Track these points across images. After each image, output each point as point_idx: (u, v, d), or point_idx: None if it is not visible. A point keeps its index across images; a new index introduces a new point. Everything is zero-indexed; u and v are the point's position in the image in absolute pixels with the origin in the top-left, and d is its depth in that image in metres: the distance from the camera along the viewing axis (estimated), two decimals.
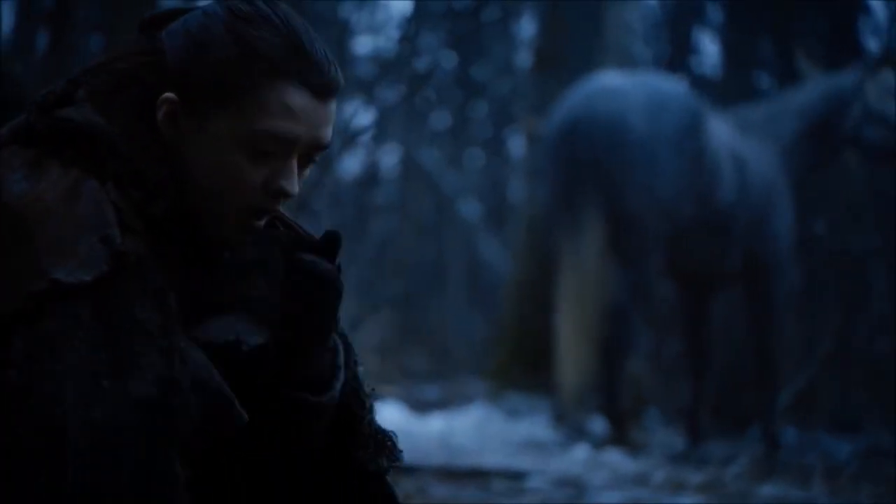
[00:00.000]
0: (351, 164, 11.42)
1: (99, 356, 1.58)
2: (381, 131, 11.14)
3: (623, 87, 6.55)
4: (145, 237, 1.65)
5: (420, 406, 7.81)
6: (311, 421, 1.76)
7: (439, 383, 9.47)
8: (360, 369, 1.83)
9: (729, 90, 8.45)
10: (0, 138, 1.71)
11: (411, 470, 5.04)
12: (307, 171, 1.75)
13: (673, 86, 6.77)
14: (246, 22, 1.68)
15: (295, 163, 1.70)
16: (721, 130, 6.65)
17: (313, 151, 1.72)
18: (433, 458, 5.50)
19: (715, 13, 9.75)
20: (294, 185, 1.70)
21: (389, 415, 7.26)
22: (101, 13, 7.49)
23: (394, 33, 10.50)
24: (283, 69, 1.67)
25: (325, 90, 1.70)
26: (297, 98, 1.68)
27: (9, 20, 7.84)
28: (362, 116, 8.29)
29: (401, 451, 1.87)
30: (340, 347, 1.79)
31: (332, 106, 1.71)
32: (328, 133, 1.72)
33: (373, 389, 1.85)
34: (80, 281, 1.58)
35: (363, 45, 10.83)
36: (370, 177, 12.15)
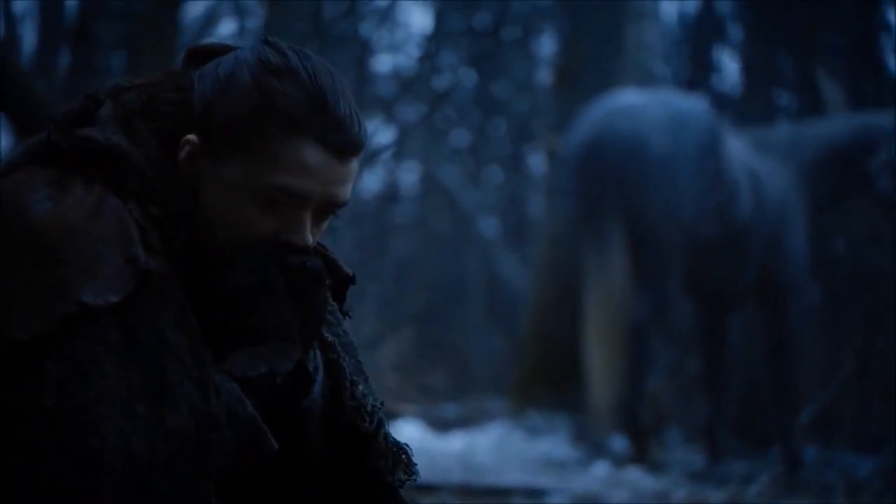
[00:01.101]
0: (371, 182, 11.45)
1: (131, 381, 1.58)
2: (401, 149, 11.17)
3: (642, 104, 6.55)
4: (166, 256, 1.66)
5: (440, 424, 7.80)
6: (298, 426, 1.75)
7: (459, 401, 9.46)
8: (361, 388, 1.81)
9: (749, 108, 8.45)
10: (16, 158, 1.72)
11: (431, 488, 5.03)
12: (325, 225, 1.73)
13: (692, 103, 6.77)
14: (272, 74, 1.67)
15: (307, 216, 1.69)
16: (738, 147, 6.66)
17: (329, 208, 1.71)
18: (453, 477, 5.49)
19: (735, 31, 9.75)
20: (303, 239, 1.69)
21: (409, 433, 7.26)
22: (122, 32, 7.54)
23: (414, 52, 10.54)
24: (301, 125, 1.66)
25: (344, 149, 1.68)
26: (313, 155, 1.67)
27: (31, 39, 7.88)
28: (382, 134, 8.30)
29: (416, 465, 1.87)
30: (316, 349, 1.78)
31: (353, 164, 1.70)
32: (345, 191, 1.71)
33: (381, 403, 1.83)
34: (107, 302, 1.58)
35: (384, 63, 10.88)
36: (390, 194, 12.17)
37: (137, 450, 1.56)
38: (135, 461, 1.56)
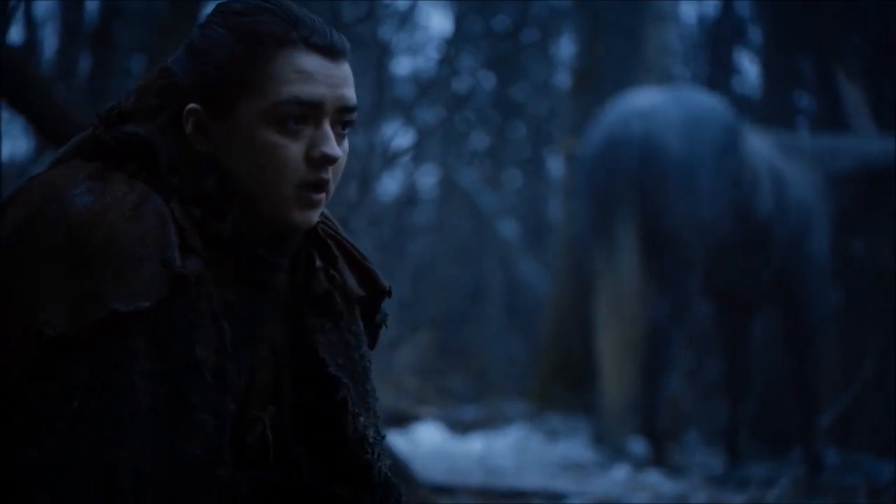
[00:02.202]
0: (390, 185, 11.46)
1: (155, 397, 1.60)
2: (420, 152, 11.17)
3: (659, 104, 6.52)
4: (205, 257, 1.66)
5: (459, 427, 7.80)
6: None
7: (478, 404, 9.45)
8: (363, 419, 1.81)
9: (768, 110, 8.43)
10: (63, 153, 1.73)
11: (450, 490, 5.03)
12: (345, 144, 1.75)
13: (710, 101, 6.73)
14: (240, 14, 1.72)
15: (329, 128, 1.72)
16: (760, 146, 6.63)
17: (343, 114, 1.73)
18: (472, 479, 5.49)
19: (754, 33, 9.73)
20: (334, 148, 1.71)
21: (428, 435, 7.26)
22: (142, 35, 7.56)
23: (433, 54, 10.54)
24: (284, 38, 1.70)
25: (332, 50, 1.72)
26: (309, 61, 1.70)
27: (51, 42, 7.91)
28: (401, 137, 8.30)
29: (405, 500, 1.86)
30: None
31: (346, 67, 1.74)
32: (350, 93, 1.74)
33: (383, 436, 1.84)
34: (138, 308, 1.59)
35: (403, 66, 10.88)
36: (409, 197, 12.18)
37: (150, 472, 1.58)
38: (146, 483, 1.58)
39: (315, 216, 1.73)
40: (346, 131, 1.75)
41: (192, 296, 1.63)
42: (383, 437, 1.84)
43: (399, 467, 4.59)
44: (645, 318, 6.37)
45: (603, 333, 6.48)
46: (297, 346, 1.78)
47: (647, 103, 6.54)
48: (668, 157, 6.37)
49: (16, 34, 6.46)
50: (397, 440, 6.06)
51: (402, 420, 7.46)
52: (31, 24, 6.88)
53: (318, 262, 1.80)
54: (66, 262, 1.59)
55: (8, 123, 4.90)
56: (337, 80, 1.72)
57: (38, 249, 1.60)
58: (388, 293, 1.87)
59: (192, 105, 1.70)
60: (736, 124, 6.53)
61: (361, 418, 1.80)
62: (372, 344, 1.87)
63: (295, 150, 1.70)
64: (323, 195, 1.72)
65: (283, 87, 1.69)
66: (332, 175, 1.73)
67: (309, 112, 1.70)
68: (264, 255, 1.72)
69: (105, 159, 1.69)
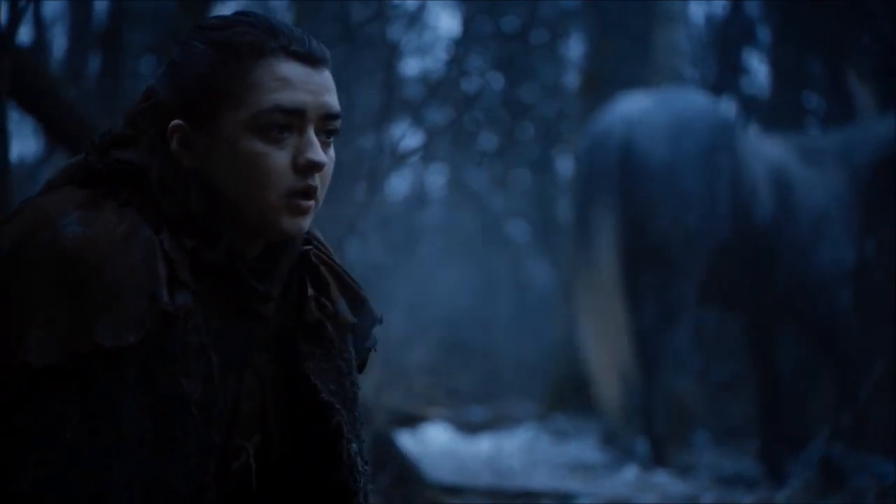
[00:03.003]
0: (399, 186, 11.46)
1: (144, 429, 1.61)
2: (428, 152, 11.16)
3: (644, 108, 6.46)
4: (194, 289, 1.66)
5: (468, 427, 7.80)
6: None
7: (487, 404, 9.45)
8: (355, 446, 1.82)
9: (778, 110, 8.41)
10: (55, 179, 1.73)
11: (459, 491, 5.03)
12: (331, 151, 1.75)
13: (701, 104, 6.63)
14: (218, 29, 1.72)
15: (313, 135, 1.71)
16: (767, 150, 6.58)
17: (327, 122, 1.73)
18: (481, 480, 5.49)
19: (763, 33, 9.71)
20: (319, 154, 1.71)
21: (437, 436, 7.26)
22: (152, 35, 7.57)
23: (442, 55, 10.53)
24: (262, 47, 1.70)
25: (312, 57, 1.72)
26: (288, 69, 1.70)
27: (61, 43, 7.92)
28: (410, 138, 8.30)
29: None
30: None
31: (327, 73, 1.73)
32: (332, 100, 1.73)
33: (367, 463, 1.84)
34: (125, 344, 1.59)
35: (411, 66, 10.88)
36: (418, 198, 12.18)
37: (139, 501, 1.60)
38: None
39: (305, 223, 1.72)
40: (330, 139, 1.75)
41: (180, 329, 1.64)
42: (367, 464, 1.84)
43: (407, 468, 4.59)
44: (625, 321, 6.35)
45: (586, 336, 6.50)
46: (287, 373, 1.78)
47: (632, 108, 6.49)
48: (650, 161, 6.33)
49: (25, 35, 6.48)
50: (406, 441, 6.06)
51: (411, 420, 7.46)
52: (40, 25, 6.89)
53: (310, 291, 1.79)
54: (55, 291, 1.59)
55: (17, 124, 4.91)
56: (318, 86, 1.72)
57: (26, 276, 1.60)
58: (380, 321, 1.87)
59: (175, 122, 1.70)
60: (729, 127, 6.45)
61: (353, 445, 1.80)
62: (361, 368, 1.87)
63: (280, 158, 1.70)
64: (312, 202, 1.72)
65: (264, 95, 1.69)
66: (319, 182, 1.72)
67: (292, 120, 1.70)
68: (255, 286, 1.72)
69: (96, 186, 1.69)
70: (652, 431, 6.46)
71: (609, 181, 6.33)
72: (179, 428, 1.63)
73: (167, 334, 1.62)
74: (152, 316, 1.61)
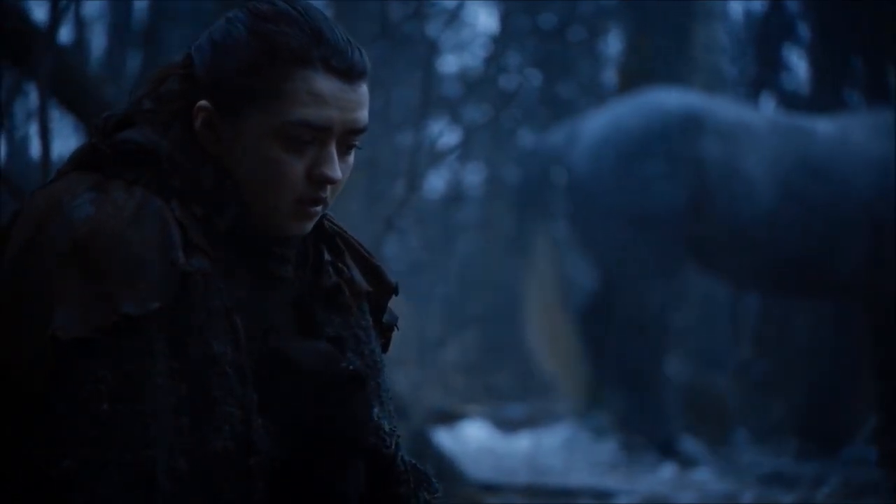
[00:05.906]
0: (436, 183, 11.47)
1: (179, 394, 1.61)
2: (466, 150, 11.17)
3: (588, 121, 6.74)
4: (210, 254, 1.66)
5: (506, 425, 7.80)
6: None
7: (525, 401, 9.45)
8: (377, 410, 1.80)
9: (818, 107, 8.36)
10: (63, 167, 1.74)
11: (497, 489, 5.04)
12: (350, 158, 1.74)
13: (654, 106, 6.79)
14: (265, 20, 1.70)
15: (333, 149, 1.70)
16: (758, 141, 6.60)
17: (350, 136, 1.72)
18: (519, 478, 5.49)
19: (803, 30, 9.66)
20: (335, 170, 1.70)
21: (475, 434, 7.27)
22: (192, 33, 7.59)
23: (480, 52, 10.54)
24: (304, 57, 1.68)
25: (350, 73, 1.70)
26: (324, 84, 1.68)
27: (100, 42, 7.98)
28: (448, 135, 8.31)
29: (438, 484, 1.86)
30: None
31: (363, 89, 1.72)
32: (362, 116, 1.72)
33: (395, 427, 1.82)
34: (149, 310, 1.60)
35: (449, 64, 10.89)
36: (455, 195, 12.18)
37: (183, 468, 1.59)
38: (181, 480, 1.59)
39: (310, 225, 1.73)
40: (352, 150, 1.74)
41: (202, 293, 1.64)
42: (396, 428, 1.82)
43: (446, 466, 4.60)
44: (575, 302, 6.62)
45: (531, 318, 6.79)
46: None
47: (577, 122, 6.86)
48: (576, 175, 6.56)
49: (66, 34, 6.52)
50: (444, 438, 6.06)
51: (449, 418, 7.47)
52: (80, 24, 6.93)
53: (327, 256, 1.80)
54: (74, 270, 1.60)
55: (58, 122, 4.94)
56: (350, 103, 1.70)
57: (45, 259, 1.61)
58: (396, 290, 1.86)
59: (203, 102, 1.70)
60: (690, 123, 6.54)
61: (375, 409, 1.79)
62: (385, 347, 1.86)
63: (297, 166, 1.69)
64: (320, 208, 1.73)
65: (295, 107, 1.68)
66: (330, 192, 1.73)
67: (316, 134, 1.70)
68: (270, 246, 1.72)
69: (102, 168, 1.70)
70: (655, 436, 6.47)
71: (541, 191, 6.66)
72: (215, 387, 1.62)
73: (190, 299, 1.63)
74: (172, 280, 1.61)
